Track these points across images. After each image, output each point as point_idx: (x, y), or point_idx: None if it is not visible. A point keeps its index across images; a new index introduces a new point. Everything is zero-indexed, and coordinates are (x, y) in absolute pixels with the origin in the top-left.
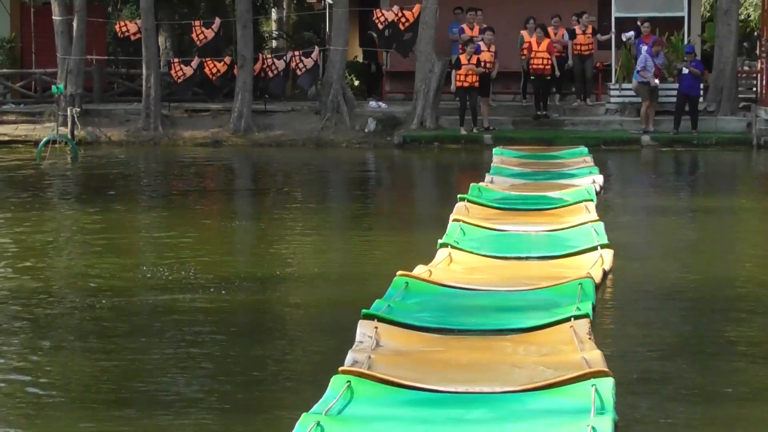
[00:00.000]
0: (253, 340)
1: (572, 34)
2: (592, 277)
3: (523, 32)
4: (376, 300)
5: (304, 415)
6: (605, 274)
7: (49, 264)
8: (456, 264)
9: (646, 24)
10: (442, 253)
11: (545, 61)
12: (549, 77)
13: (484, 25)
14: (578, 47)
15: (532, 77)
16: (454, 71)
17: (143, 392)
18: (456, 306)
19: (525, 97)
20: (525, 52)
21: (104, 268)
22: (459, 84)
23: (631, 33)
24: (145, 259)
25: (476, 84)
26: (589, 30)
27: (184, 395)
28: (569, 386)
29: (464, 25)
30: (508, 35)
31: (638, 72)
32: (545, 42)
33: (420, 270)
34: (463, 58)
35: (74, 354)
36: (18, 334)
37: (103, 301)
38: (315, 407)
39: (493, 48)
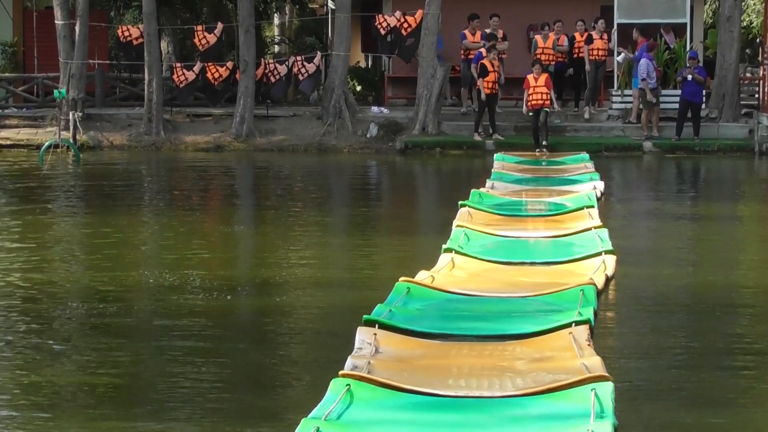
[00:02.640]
0: (254, 345)
1: (589, 39)
2: (594, 283)
3: (537, 37)
4: (378, 305)
5: (303, 420)
6: (608, 280)
7: (50, 268)
8: (459, 269)
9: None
10: (444, 259)
11: (544, 96)
12: (548, 110)
13: (487, 31)
14: (595, 52)
15: (530, 113)
16: (480, 78)
17: (142, 396)
18: (457, 312)
19: None
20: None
21: (105, 273)
22: (488, 91)
23: (622, 54)
24: (146, 264)
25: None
26: (605, 36)
27: (184, 400)
28: (569, 390)
29: (466, 31)
30: (511, 41)
31: (642, 80)
32: (543, 77)
33: (423, 275)
34: (488, 64)
35: (74, 358)
36: (20, 337)
37: (104, 305)
38: (314, 411)
39: (494, 53)
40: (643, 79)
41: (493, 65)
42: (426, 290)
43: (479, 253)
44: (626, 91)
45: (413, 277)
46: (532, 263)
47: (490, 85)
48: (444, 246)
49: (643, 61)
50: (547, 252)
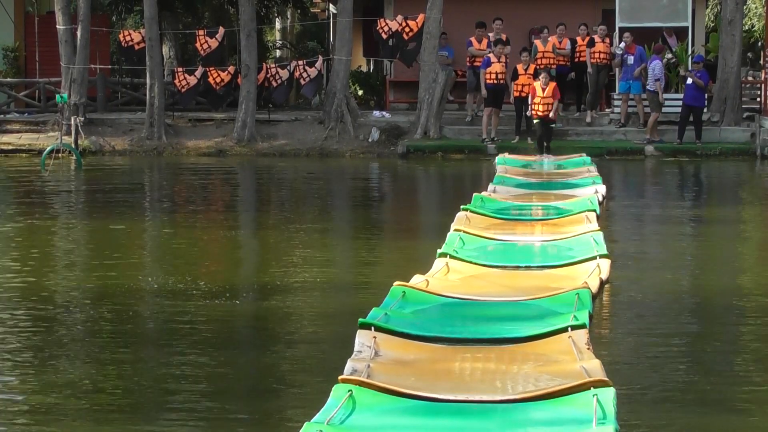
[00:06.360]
0: (253, 350)
1: (591, 42)
2: (588, 287)
3: (537, 42)
4: (373, 308)
5: (306, 424)
6: (602, 283)
7: (52, 272)
8: (453, 273)
9: (627, 34)
10: (439, 263)
11: (551, 107)
12: (553, 124)
13: (496, 36)
14: (597, 55)
15: (535, 120)
16: (512, 82)
17: (142, 401)
18: (453, 315)
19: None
20: (539, 62)
21: (107, 277)
22: (517, 94)
23: (623, 44)
24: (147, 268)
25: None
26: (607, 39)
27: (185, 405)
28: (570, 396)
29: (472, 38)
30: (513, 44)
31: (656, 80)
32: (551, 87)
33: (417, 280)
34: (520, 68)
35: (74, 362)
36: (20, 341)
37: (104, 309)
38: (317, 417)
39: (503, 59)
40: (657, 80)
41: (526, 70)
42: (421, 294)
43: (474, 257)
44: (615, 96)
45: (409, 281)
46: (526, 267)
47: (519, 87)
48: (439, 251)
49: (657, 63)
50: (541, 256)
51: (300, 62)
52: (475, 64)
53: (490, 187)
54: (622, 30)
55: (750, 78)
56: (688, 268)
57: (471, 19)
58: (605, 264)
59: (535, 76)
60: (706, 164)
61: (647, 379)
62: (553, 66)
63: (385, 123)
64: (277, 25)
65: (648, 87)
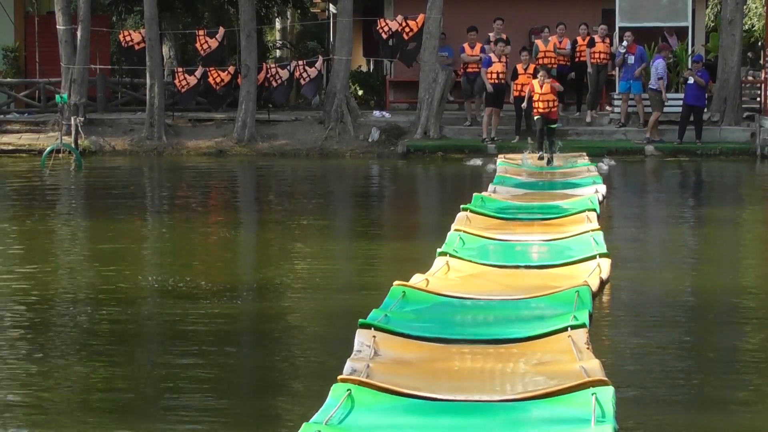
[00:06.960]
0: (252, 350)
1: (591, 42)
2: (588, 286)
3: (538, 41)
4: (373, 309)
5: (305, 425)
6: (603, 282)
7: (52, 272)
8: (453, 273)
9: (628, 34)
10: (439, 262)
11: (551, 104)
12: (555, 125)
13: (497, 36)
14: (596, 55)
15: (536, 117)
16: (512, 82)
17: (142, 402)
18: (453, 315)
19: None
20: (541, 61)
21: (107, 277)
22: (516, 94)
23: (624, 43)
24: (147, 268)
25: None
26: (607, 39)
27: (184, 405)
28: (569, 395)
29: (465, 45)
30: (513, 45)
31: (659, 79)
32: (547, 85)
33: (417, 279)
34: (520, 68)
35: (75, 362)
36: (21, 342)
37: (104, 310)
38: (315, 416)
39: (504, 59)
40: (660, 78)
41: (525, 70)
42: (421, 294)
43: (474, 256)
44: (615, 96)
45: (408, 281)
46: (526, 266)
47: (519, 87)
48: (438, 250)
49: (660, 62)
50: (541, 255)
51: (300, 62)
52: (468, 70)
53: (490, 187)
54: (623, 30)
55: (750, 78)
56: (688, 268)
57: (471, 19)
58: (605, 263)
59: (535, 75)
60: (706, 164)
61: (647, 378)
62: (554, 66)
63: (385, 123)
64: (277, 25)
65: (650, 85)
